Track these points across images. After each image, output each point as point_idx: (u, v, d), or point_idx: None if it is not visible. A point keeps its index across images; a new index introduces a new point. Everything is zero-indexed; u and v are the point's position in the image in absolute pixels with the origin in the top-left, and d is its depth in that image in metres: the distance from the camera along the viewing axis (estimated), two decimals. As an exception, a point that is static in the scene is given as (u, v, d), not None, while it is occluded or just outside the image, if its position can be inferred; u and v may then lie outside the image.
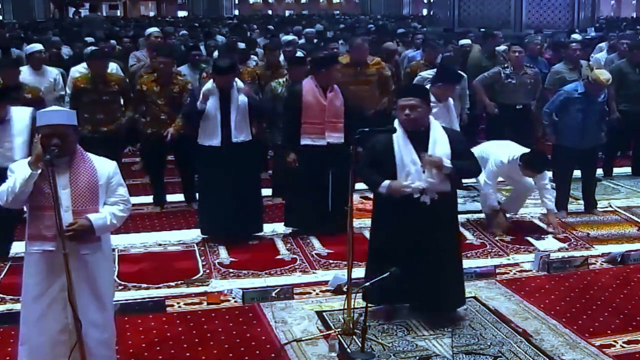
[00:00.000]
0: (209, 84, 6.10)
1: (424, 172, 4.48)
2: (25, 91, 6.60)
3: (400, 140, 4.52)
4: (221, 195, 6.13)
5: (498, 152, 6.46)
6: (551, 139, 7.10)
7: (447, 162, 4.47)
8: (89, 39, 12.24)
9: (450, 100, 6.52)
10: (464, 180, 7.99)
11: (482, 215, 6.82)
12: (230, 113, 6.02)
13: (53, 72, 8.01)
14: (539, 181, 6.40)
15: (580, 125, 6.77)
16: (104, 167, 3.67)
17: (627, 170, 8.76)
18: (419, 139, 4.52)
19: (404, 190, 4.46)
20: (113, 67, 8.26)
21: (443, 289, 4.68)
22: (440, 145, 4.53)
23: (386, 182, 4.49)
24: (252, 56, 9.51)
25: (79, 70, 7.93)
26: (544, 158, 6.38)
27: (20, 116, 5.59)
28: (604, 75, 6.68)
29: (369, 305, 4.38)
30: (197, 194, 7.16)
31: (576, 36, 12.17)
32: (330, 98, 6.27)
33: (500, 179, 6.75)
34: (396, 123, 4.62)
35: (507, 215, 6.76)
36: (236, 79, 6.16)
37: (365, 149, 4.68)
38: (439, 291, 4.66)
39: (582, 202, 7.26)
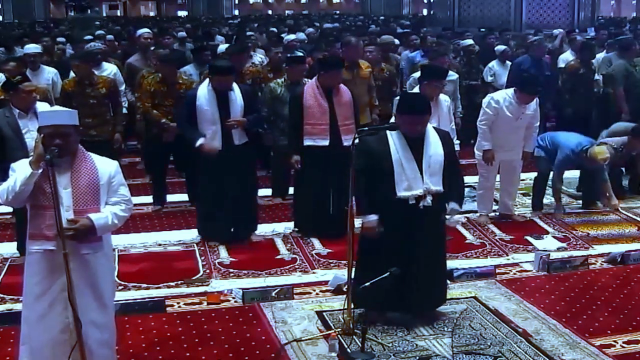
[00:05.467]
0: (204, 91, 5.98)
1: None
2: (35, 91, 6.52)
3: (398, 146, 4.53)
4: (221, 197, 6.12)
5: None
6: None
7: (454, 218, 4.73)
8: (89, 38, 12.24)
9: (442, 97, 6.46)
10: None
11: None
12: (230, 115, 5.99)
13: (50, 73, 7.98)
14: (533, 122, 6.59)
15: None
16: (105, 166, 3.67)
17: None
18: (415, 143, 4.56)
19: (374, 232, 4.51)
20: (113, 69, 8.25)
21: (432, 289, 4.71)
22: (434, 149, 4.57)
23: (372, 217, 4.51)
24: (257, 54, 9.46)
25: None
26: None
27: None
28: (603, 155, 6.52)
29: (358, 308, 4.38)
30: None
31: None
32: (337, 101, 6.21)
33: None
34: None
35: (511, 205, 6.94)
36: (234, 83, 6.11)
37: (360, 156, 4.53)
38: (430, 291, 4.68)
39: (581, 202, 7.31)
